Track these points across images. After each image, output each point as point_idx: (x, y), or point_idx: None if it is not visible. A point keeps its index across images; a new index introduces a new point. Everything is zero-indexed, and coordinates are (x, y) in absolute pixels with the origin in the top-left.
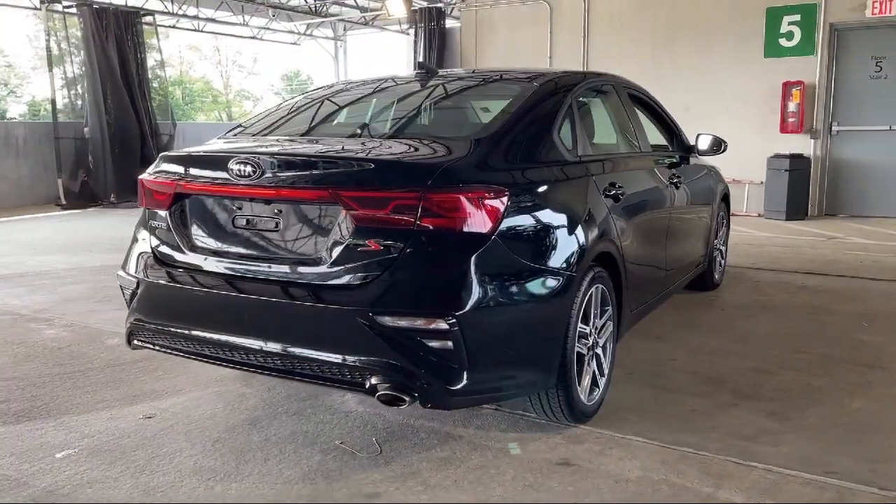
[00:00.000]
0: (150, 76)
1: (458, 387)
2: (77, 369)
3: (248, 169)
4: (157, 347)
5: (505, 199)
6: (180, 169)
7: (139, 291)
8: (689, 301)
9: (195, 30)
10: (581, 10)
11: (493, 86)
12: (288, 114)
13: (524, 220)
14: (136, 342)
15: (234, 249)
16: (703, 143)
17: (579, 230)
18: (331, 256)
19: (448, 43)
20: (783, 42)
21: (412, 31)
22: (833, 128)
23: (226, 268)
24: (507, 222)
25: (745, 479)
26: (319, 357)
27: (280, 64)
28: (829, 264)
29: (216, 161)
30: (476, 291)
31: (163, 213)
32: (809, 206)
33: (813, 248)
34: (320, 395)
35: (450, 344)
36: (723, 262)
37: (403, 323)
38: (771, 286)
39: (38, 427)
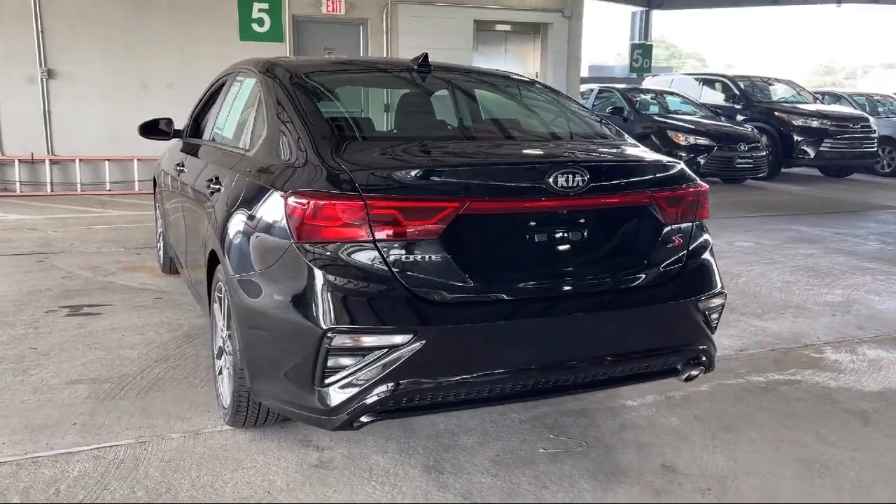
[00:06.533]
0: None
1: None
2: None
3: (578, 179)
4: (410, 412)
5: None
6: (464, 183)
7: (405, 349)
8: None
9: None
10: None
11: (523, 84)
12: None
13: None
14: (366, 418)
15: (534, 269)
16: None
17: None
18: (648, 256)
19: None
20: (256, 27)
21: None
22: None
23: (530, 291)
24: None
25: None
26: (645, 355)
27: None
28: None
29: (526, 172)
30: None
31: (427, 242)
32: None
33: None
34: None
35: (718, 315)
36: None
37: (708, 303)
38: None
39: None
